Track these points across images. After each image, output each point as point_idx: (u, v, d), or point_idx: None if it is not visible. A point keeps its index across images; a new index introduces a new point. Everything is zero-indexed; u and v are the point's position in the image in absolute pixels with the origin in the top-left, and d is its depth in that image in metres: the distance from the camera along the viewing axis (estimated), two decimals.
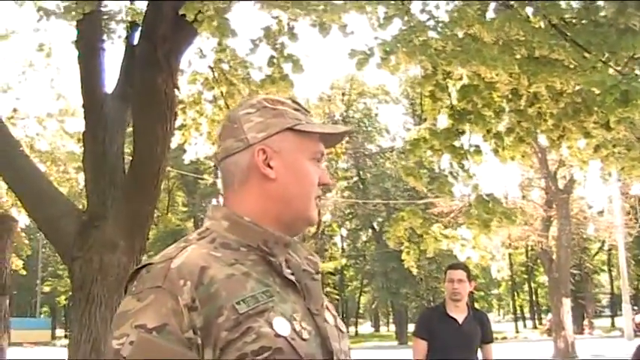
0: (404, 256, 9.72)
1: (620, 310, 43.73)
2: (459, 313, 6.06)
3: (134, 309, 1.50)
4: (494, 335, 6.47)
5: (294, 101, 1.81)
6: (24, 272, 29.48)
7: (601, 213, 44.78)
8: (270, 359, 1.48)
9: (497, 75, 6.88)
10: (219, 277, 1.53)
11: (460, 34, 6.74)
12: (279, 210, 1.70)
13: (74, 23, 6.74)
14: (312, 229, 1.88)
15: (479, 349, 6.12)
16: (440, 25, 6.72)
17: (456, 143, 7.89)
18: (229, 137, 1.75)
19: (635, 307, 42.32)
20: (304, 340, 1.55)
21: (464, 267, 6.37)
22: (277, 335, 1.50)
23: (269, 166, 1.70)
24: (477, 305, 42.83)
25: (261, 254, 1.64)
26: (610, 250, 52.76)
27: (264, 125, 1.72)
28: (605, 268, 62.85)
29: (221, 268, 1.55)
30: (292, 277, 1.66)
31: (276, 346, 1.49)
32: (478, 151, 7.98)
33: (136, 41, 6.70)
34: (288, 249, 1.71)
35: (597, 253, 58.72)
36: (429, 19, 6.81)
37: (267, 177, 1.69)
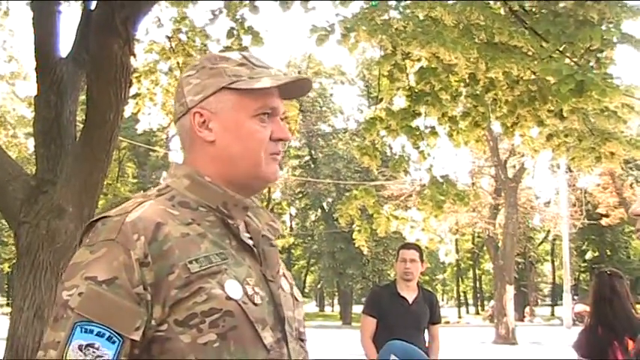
0: (355, 235, 9.71)
1: (561, 299, 44.47)
2: (410, 293, 6.10)
3: (86, 261, 1.49)
4: None
5: (243, 55, 1.76)
6: None
7: (547, 204, 45.52)
8: (220, 321, 1.47)
9: (455, 58, 6.90)
10: (174, 235, 1.52)
11: (421, 16, 6.75)
12: (226, 171, 1.68)
13: None
14: (263, 204, 1.85)
15: (426, 330, 6.19)
16: (401, 5, 6.72)
17: (412, 124, 7.92)
18: (176, 101, 1.75)
19: (576, 297, 43.06)
20: (256, 304, 1.55)
21: (416, 247, 6.42)
22: (228, 298, 1.50)
23: (208, 128, 1.67)
24: None
25: (220, 216, 1.63)
26: (554, 240, 53.58)
27: (201, 87, 1.69)
28: (549, 258, 63.88)
29: (177, 227, 1.54)
30: (250, 242, 1.65)
31: (227, 309, 1.49)
32: (434, 132, 8.03)
33: (93, 6, 6.58)
34: (247, 212, 1.69)
35: (542, 242, 59.64)
36: None
37: (206, 140, 1.67)
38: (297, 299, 1.75)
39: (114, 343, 1.41)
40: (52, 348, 1.42)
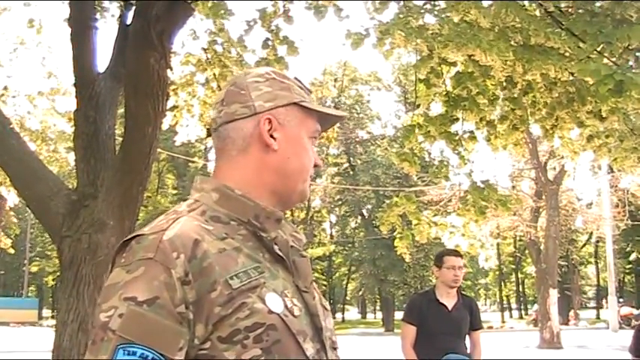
0: (396, 242, 9.67)
1: (606, 302, 43.93)
2: (449, 300, 6.07)
3: (123, 281, 1.45)
4: None
5: (297, 79, 1.80)
6: (12, 251, 29.40)
7: (590, 205, 44.95)
8: (263, 336, 1.46)
9: (492, 60, 6.85)
10: (212, 252, 1.50)
11: (456, 19, 6.72)
12: (276, 182, 1.69)
13: (67, 1, 6.69)
14: (302, 214, 1.85)
15: (467, 336, 6.14)
16: (436, 9, 6.69)
17: (451, 130, 7.87)
18: (235, 102, 1.71)
19: (621, 300, 42.46)
20: (295, 316, 1.54)
21: (460, 254, 6.41)
22: (270, 312, 1.49)
23: (272, 136, 1.68)
24: None
25: (252, 229, 1.62)
26: (597, 242, 52.93)
27: (273, 95, 1.70)
28: (592, 260, 63.20)
29: (213, 242, 1.52)
30: (281, 254, 1.63)
31: (270, 323, 1.48)
32: (473, 137, 7.96)
33: (129, 20, 6.64)
34: (280, 224, 1.68)
35: (585, 245, 58.98)
36: (425, 4, 6.78)
37: (269, 147, 1.68)
38: (326, 308, 1.74)
39: None
40: None
